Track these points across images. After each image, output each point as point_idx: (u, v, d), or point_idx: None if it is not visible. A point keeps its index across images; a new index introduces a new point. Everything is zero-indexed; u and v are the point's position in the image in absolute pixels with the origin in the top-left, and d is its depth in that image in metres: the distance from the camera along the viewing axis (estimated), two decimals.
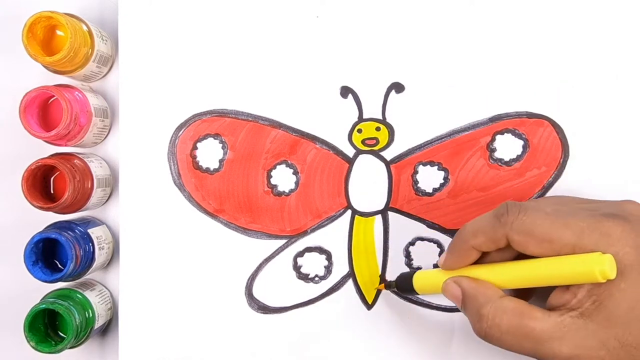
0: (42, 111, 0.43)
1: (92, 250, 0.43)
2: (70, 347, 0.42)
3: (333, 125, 0.44)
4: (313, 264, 0.44)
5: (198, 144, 0.44)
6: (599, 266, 0.30)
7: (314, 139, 0.44)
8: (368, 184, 0.44)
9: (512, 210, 0.33)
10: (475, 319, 0.34)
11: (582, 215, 0.32)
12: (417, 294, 0.41)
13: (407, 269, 0.44)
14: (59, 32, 0.44)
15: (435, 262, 0.44)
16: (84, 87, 0.44)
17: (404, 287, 0.41)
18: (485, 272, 0.36)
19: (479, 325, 0.34)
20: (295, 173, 0.44)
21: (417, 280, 0.40)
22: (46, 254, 0.42)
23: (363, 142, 0.44)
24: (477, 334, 0.34)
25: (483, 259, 0.36)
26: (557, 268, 0.32)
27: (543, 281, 0.33)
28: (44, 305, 0.40)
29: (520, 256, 0.35)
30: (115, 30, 0.45)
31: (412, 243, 0.44)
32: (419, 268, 0.44)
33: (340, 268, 0.44)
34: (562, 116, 0.43)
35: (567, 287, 0.32)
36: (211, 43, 0.44)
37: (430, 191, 0.44)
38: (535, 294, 0.38)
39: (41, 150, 0.44)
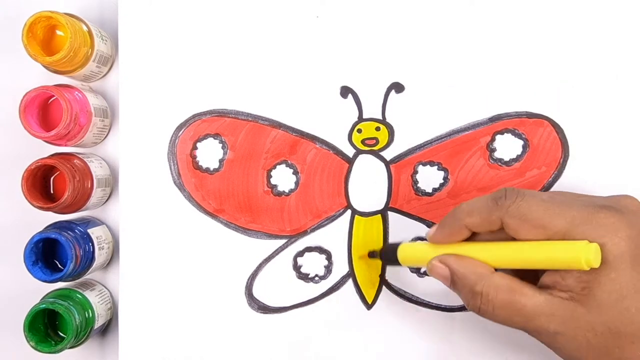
0: (42, 111, 0.43)
1: (92, 250, 0.43)
2: (70, 347, 0.42)
3: (333, 125, 0.44)
4: (313, 263, 0.44)
5: (198, 144, 0.44)
6: (584, 254, 0.31)
7: (313, 139, 0.44)
8: (368, 183, 0.44)
9: (510, 194, 0.34)
10: (468, 297, 0.35)
11: (577, 205, 0.33)
12: (401, 265, 0.41)
13: (407, 269, 0.44)
14: (58, 32, 0.44)
15: (420, 236, 0.44)
16: (83, 87, 0.44)
17: (388, 258, 0.41)
18: (473, 250, 0.36)
19: (473, 302, 0.34)
20: (295, 173, 0.44)
21: (402, 252, 0.40)
22: (46, 254, 0.42)
23: (363, 142, 0.44)
24: (470, 309, 0.35)
25: (472, 238, 0.36)
26: (544, 252, 0.32)
27: (530, 264, 0.33)
28: (43, 305, 0.40)
29: (510, 240, 0.35)
30: (115, 30, 0.45)
31: None
32: (418, 268, 0.44)
33: (340, 268, 0.44)
34: (562, 116, 0.43)
35: (557, 271, 0.33)
36: (211, 43, 0.44)
37: (430, 191, 0.44)
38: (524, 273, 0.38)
39: (41, 150, 0.44)
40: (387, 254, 0.41)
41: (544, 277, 0.33)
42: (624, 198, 0.34)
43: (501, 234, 0.35)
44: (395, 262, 0.40)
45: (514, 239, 0.34)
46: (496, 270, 0.35)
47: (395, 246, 0.41)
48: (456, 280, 0.35)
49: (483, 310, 0.34)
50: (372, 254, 0.43)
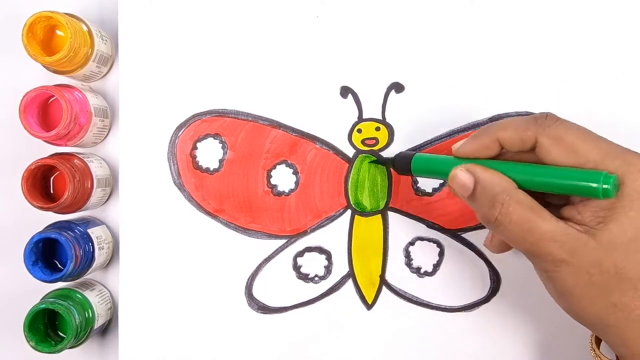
0: (42, 111, 0.43)
1: (91, 250, 0.43)
2: (70, 347, 0.42)
3: (333, 125, 0.44)
4: (313, 264, 0.44)
5: (198, 144, 0.44)
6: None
7: (313, 139, 0.44)
8: (368, 183, 0.44)
9: (551, 116, 0.34)
10: (487, 206, 0.34)
11: (612, 142, 0.33)
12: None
13: (407, 269, 0.44)
14: (58, 32, 0.44)
15: (420, 236, 0.44)
16: (83, 87, 0.44)
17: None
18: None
19: (491, 212, 0.33)
20: (295, 173, 0.44)
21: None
22: (46, 254, 0.42)
23: (363, 142, 0.44)
24: (485, 219, 0.34)
25: (497, 158, 0.36)
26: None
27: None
28: (43, 305, 0.40)
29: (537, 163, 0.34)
30: (115, 30, 0.45)
31: (412, 243, 0.44)
32: (418, 268, 0.44)
33: (340, 268, 0.44)
34: (561, 116, 0.43)
35: (578, 203, 0.33)
36: (211, 43, 0.44)
37: (430, 191, 0.44)
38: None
39: (41, 150, 0.44)
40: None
41: (563, 210, 0.33)
42: None
43: (529, 156, 0.34)
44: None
45: (541, 164, 0.34)
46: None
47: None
48: (479, 190, 0.34)
49: (499, 221, 0.33)
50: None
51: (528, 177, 0.34)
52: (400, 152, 0.42)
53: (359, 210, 0.44)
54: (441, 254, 0.44)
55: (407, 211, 0.44)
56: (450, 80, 0.44)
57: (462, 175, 0.35)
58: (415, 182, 0.44)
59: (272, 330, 0.44)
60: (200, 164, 0.44)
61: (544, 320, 0.43)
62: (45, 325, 0.42)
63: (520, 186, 0.34)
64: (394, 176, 0.44)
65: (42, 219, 0.44)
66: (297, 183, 0.44)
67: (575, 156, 0.32)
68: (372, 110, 0.44)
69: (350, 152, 0.44)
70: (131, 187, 0.44)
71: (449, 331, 0.44)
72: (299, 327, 0.44)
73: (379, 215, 0.44)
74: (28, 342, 0.40)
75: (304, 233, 0.44)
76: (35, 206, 0.41)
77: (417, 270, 0.44)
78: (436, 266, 0.44)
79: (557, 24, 0.43)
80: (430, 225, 0.44)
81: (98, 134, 0.44)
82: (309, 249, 0.44)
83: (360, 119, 0.44)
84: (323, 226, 0.44)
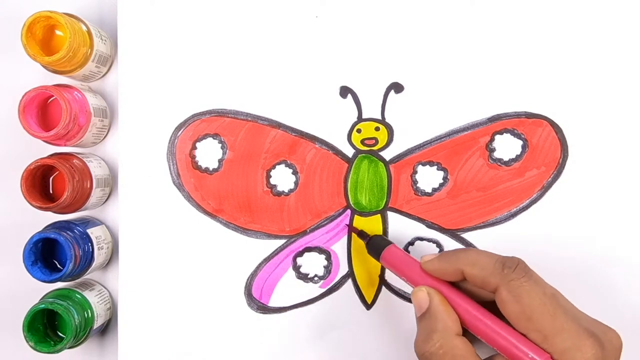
0: (41, 111, 0.43)
1: (91, 250, 0.43)
2: (70, 347, 0.42)
3: (332, 125, 0.44)
4: (312, 263, 0.44)
5: (197, 144, 0.44)
6: None
7: (313, 139, 0.44)
8: (367, 183, 0.44)
9: (519, 270, 0.33)
10: (423, 337, 0.34)
11: (570, 317, 0.32)
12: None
13: None
14: (58, 32, 0.44)
15: (420, 236, 0.44)
16: (83, 87, 0.44)
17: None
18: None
19: (423, 345, 0.34)
20: (295, 173, 0.44)
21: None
22: (45, 254, 0.42)
23: (362, 142, 0.44)
24: (416, 348, 0.35)
25: (462, 282, 0.36)
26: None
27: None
28: (43, 305, 0.40)
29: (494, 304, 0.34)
30: (115, 30, 0.45)
31: (411, 243, 0.44)
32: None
33: (339, 268, 0.44)
34: (561, 116, 0.43)
35: None
36: (211, 43, 0.44)
37: (430, 191, 0.44)
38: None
39: (40, 150, 0.44)
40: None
41: (496, 357, 0.33)
42: (610, 331, 0.33)
43: (491, 295, 0.34)
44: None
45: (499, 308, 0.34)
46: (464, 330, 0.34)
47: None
48: (426, 316, 0.35)
49: (426, 358, 0.34)
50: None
51: (477, 326, 0.34)
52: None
53: (359, 210, 0.44)
54: (439, 251, 0.44)
55: (406, 211, 0.44)
56: (450, 80, 0.44)
57: (420, 296, 0.36)
58: (415, 182, 0.44)
59: (271, 330, 0.44)
60: (199, 164, 0.44)
61: None
62: (44, 325, 0.42)
63: (466, 325, 0.34)
64: (394, 176, 0.44)
65: (42, 219, 0.44)
66: (296, 183, 0.44)
67: (526, 322, 0.32)
68: (371, 110, 0.44)
69: (349, 152, 0.44)
70: (130, 187, 0.44)
71: None
72: (299, 327, 0.44)
73: (379, 215, 0.44)
74: (27, 342, 0.40)
75: (304, 233, 0.44)
76: (34, 206, 0.41)
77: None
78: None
79: (557, 25, 0.43)
80: (430, 225, 0.44)
81: (97, 134, 0.44)
82: (308, 249, 0.44)
83: (360, 119, 0.44)
84: (322, 226, 0.44)
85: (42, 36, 0.42)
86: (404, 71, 0.44)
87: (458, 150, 0.44)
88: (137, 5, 0.44)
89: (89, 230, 0.43)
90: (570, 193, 0.43)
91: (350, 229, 0.44)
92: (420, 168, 0.44)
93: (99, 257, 0.44)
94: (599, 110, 0.43)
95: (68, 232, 0.41)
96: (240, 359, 0.44)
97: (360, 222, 0.44)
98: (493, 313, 0.34)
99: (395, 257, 0.39)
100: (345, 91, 0.44)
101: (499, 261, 0.34)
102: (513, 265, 0.33)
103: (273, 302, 0.44)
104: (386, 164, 0.44)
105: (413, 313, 0.44)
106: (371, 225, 0.44)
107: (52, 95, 0.41)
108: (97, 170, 0.44)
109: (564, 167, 0.43)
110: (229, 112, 0.44)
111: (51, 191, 0.45)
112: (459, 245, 0.44)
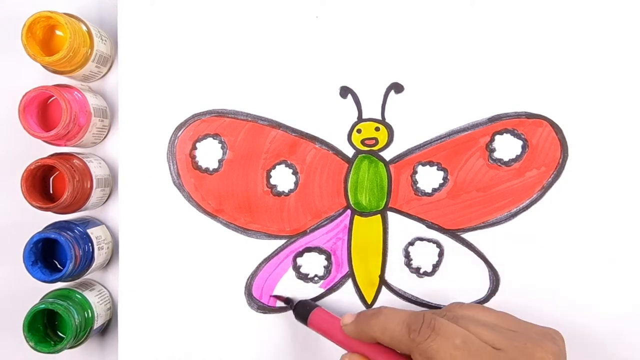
0: (41, 111, 0.43)
1: (91, 250, 0.43)
2: (70, 347, 0.42)
3: (332, 125, 0.44)
4: (312, 263, 0.44)
5: (197, 144, 0.44)
6: None
7: (313, 139, 0.44)
8: (367, 183, 0.44)
9: (424, 331, 0.34)
10: None
11: (485, 354, 0.33)
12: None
13: (406, 269, 0.44)
14: (58, 32, 0.44)
15: (419, 236, 0.44)
16: (83, 87, 0.44)
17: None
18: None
19: None
20: (295, 173, 0.44)
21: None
22: (45, 254, 0.42)
23: (362, 142, 0.44)
24: None
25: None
26: None
27: None
28: (43, 305, 0.40)
29: None
30: (115, 30, 0.45)
31: (411, 243, 0.44)
32: (418, 268, 0.44)
33: (339, 268, 0.44)
34: (561, 116, 0.43)
35: None
36: (211, 43, 0.44)
37: (430, 191, 0.44)
38: None
39: (40, 150, 0.44)
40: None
41: None
42: (539, 347, 0.34)
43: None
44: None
45: None
46: None
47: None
48: None
49: None
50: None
51: None
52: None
53: (359, 211, 0.44)
54: (441, 255, 0.44)
55: (406, 211, 0.44)
56: (450, 81, 0.44)
57: None
58: (415, 182, 0.44)
59: (271, 330, 0.44)
60: (199, 164, 0.44)
61: (542, 321, 0.43)
62: (44, 326, 0.42)
63: None
64: (394, 176, 0.44)
65: (42, 219, 0.44)
66: (296, 183, 0.44)
67: None
68: (371, 110, 0.44)
69: (349, 152, 0.44)
70: (131, 187, 0.44)
71: None
72: (299, 327, 0.44)
73: (379, 216, 0.44)
74: (27, 342, 0.40)
75: (304, 233, 0.44)
76: (34, 206, 0.41)
77: (416, 271, 0.44)
78: (435, 266, 0.44)
79: (557, 25, 0.43)
80: (430, 225, 0.44)
81: (97, 134, 0.44)
82: (308, 249, 0.44)
83: (360, 119, 0.44)
84: (323, 226, 0.44)
85: (42, 36, 0.42)
86: (404, 71, 0.44)
87: (458, 150, 0.44)
88: (137, 5, 0.44)
89: (89, 231, 0.43)
90: (570, 193, 0.43)
91: (276, 297, 0.44)
92: (420, 168, 0.44)
93: (99, 257, 0.44)
94: (599, 111, 0.43)
95: (68, 232, 0.41)
96: (240, 359, 0.44)
97: (360, 223, 0.44)
98: None
99: (322, 320, 0.41)
100: (345, 91, 0.44)
101: (405, 324, 0.35)
102: (417, 327, 0.34)
103: (273, 302, 0.44)
104: (386, 164, 0.44)
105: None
106: (371, 225, 0.44)
107: (52, 96, 0.41)
108: (97, 170, 0.44)
109: (564, 167, 0.43)
110: (229, 112, 0.44)
111: (51, 191, 0.45)
112: (459, 246, 0.44)
